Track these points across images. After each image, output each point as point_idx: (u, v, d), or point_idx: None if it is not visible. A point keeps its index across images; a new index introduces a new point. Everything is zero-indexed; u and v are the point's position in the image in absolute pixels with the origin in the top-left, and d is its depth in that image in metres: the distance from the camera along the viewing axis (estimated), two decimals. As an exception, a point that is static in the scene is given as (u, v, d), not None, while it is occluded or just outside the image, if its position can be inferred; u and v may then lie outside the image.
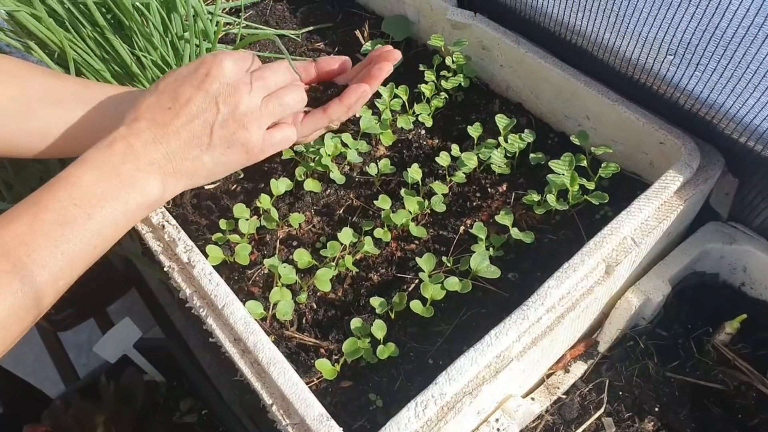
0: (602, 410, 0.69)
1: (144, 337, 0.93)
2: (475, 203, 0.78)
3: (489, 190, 0.78)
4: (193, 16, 0.76)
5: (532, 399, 0.70)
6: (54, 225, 0.51)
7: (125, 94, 0.68)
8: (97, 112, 0.66)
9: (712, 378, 0.70)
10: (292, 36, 1.01)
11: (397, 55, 0.70)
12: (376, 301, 0.66)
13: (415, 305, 0.64)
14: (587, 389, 0.71)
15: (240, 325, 0.60)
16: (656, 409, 0.69)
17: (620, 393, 0.70)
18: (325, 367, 0.61)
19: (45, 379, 1.48)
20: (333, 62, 0.72)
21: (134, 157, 0.56)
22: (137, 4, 0.73)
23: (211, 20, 0.80)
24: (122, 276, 1.20)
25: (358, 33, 0.97)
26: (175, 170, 0.58)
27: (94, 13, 0.69)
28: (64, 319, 1.13)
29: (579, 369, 0.73)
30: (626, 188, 0.77)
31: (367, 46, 0.95)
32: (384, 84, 0.91)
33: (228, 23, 1.01)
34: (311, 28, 1.03)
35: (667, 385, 0.71)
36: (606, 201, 0.69)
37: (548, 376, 0.72)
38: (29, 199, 0.53)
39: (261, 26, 1.02)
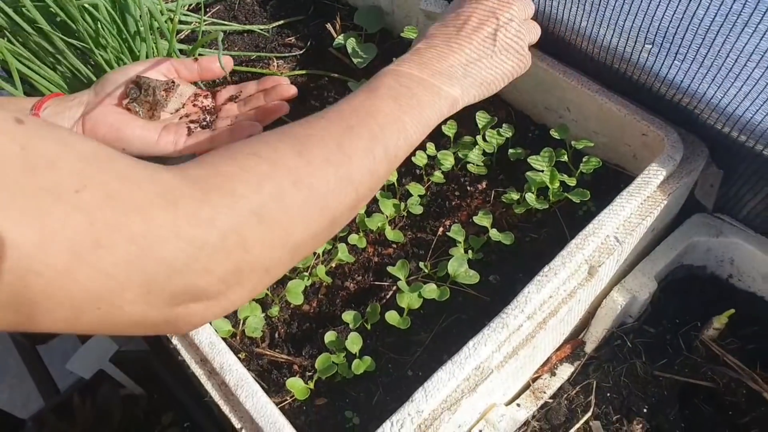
0: (590, 413, 0.67)
1: (121, 350, 0.90)
2: (454, 202, 0.75)
3: (468, 188, 0.75)
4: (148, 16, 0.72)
5: (518, 405, 0.67)
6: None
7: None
8: None
9: (701, 376, 0.68)
10: (261, 31, 0.97)
11: (293, 91, 0.70)
12: (348, 316, 0.63)
13: (391, 316, 0.62)
14: (574, 392, 0.69)
15: (206, 347, 0.57)
16: (645, 410, 0.67)
17: (608, 394, 0.68)
18: (296, 386, 0.58)
19: (33, 390, 1.45)
20: (213, 61, 0.73)
21: (422, 68, 0.57)
22: (86, 4, 0.69)
23: (171, 19, 0.76)
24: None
25: (329, 26, 0.93)
26: (465, 75, 0.60)
27: (35, 15, 0.65)
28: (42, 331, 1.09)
29: (566, 371, 0.70)
30: (610, 181, 0.75)
31: (339, 39, 0.91)
32: (356, 79, 0.88)
33: (187, 21, 0.97)
34: (281, 22, 0.99)
35: (656, 384, 0.69)
36: (587, 198, 0.66)
37: (534, 380, 0.70)
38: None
39: (227, 22, 0.98)
